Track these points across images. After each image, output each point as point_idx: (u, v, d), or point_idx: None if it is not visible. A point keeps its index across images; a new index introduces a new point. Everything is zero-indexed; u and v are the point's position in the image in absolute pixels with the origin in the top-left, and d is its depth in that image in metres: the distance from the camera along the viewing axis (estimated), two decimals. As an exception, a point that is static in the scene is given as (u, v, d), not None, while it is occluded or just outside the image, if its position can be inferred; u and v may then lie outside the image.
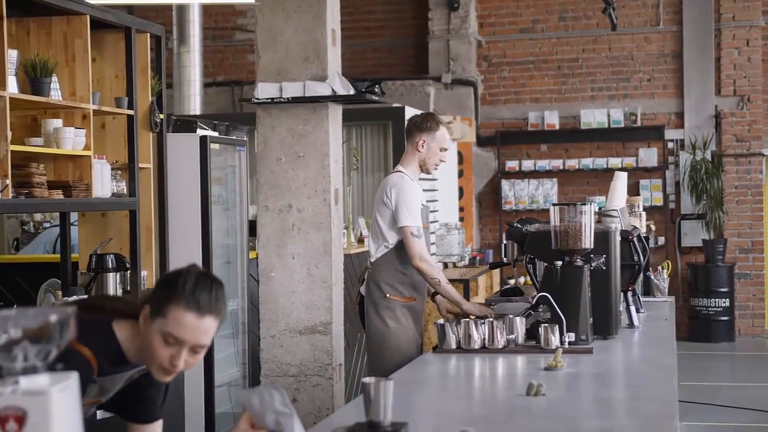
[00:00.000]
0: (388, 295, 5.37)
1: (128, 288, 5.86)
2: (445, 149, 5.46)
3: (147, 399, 3.04)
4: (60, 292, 5.71)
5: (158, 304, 2.73)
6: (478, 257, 11.08)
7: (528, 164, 13.24)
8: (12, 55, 4.98)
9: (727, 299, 12.56)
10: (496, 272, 11.27)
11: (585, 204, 4.60)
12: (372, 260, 5.47)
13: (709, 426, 8.31)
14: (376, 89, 6.00)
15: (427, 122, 5.46)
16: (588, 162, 13.09)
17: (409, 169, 5.43)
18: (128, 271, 5.84)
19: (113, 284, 5.64)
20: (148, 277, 6.11)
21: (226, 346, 6.95)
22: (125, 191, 5.84)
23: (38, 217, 8.93)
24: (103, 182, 5.57)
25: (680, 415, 7.82)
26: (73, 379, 1.84)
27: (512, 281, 10.51)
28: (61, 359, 1.97)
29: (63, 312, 1.87)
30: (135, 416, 3.06)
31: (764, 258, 12.99)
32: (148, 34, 6.17)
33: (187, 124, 7.02)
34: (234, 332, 7.05)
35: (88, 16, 5.48)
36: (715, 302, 12.54)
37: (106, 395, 2.92)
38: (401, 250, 5.30)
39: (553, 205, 4.64)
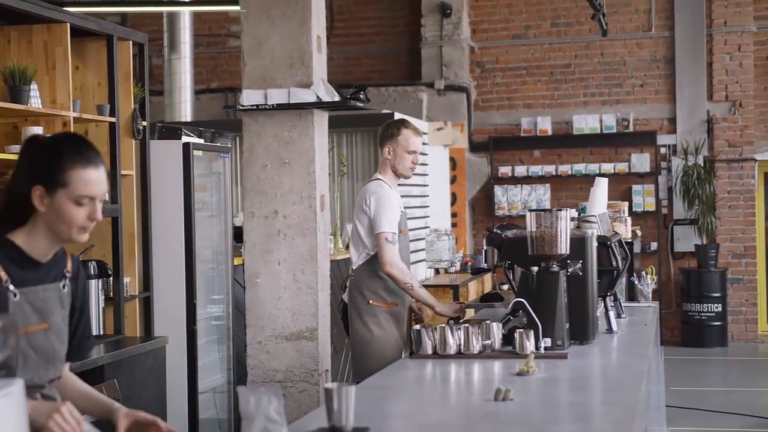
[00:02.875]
0: (371, 301, 5.41)
1: (111, 295, 5.88)
2: (413, 152, 5.49)
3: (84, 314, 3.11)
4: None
5: (52, 178, 2.81)
6: (470, 263, 11.06)
7: (521, 170, 13.24)
8: (-10, 63, 5.00)
9: (720, 304, 12.56)
10: (488, 278, 11.26)
11: (561, 210, 4.61)
12: (354, 267, 5.51)
13: (700, 431, 8.32)
14: (361, 96, 6.00)
15: (388, 129, 5.53)
16: (581, 167, 13.10)
17: (386, 176, 5.49)
18: (110, 278, 5.85)
19: (95, 291, 5.65)
20: (131, 283, 6.12)
21: (211, 352, 6.95)
22: (107, 198, 5.86)
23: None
24: (85, 189, 5.57)
25: (669, 420, 7.87)
26: (17, 385, 1.86)
27: (505, 287, 10.48)
28: None
29: (7, 319, 1.89)
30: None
31: (756, 263, 13.00)
32: (131, 42, 6.19)
33: (172, 131, 7.01)
34: (219, 338, 7.05)
35: (68, 24, 5.49)
36: (707, 307, 12.54)
37: (48, 317, 2.92)
38: (382, 256, 5.34)
39: (530, 210, 4.66)
